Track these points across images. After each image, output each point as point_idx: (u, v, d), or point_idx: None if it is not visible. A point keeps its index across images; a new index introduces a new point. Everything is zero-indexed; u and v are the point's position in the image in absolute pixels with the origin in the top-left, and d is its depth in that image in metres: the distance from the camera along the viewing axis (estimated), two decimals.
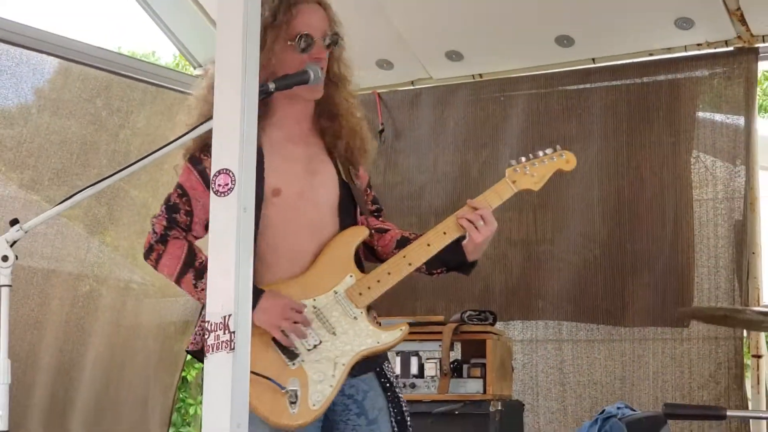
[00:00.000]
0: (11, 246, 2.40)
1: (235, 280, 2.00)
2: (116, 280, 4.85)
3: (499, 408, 3.80)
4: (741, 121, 4.41)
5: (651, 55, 4.59)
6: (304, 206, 2.63)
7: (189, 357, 4.66)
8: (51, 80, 4.59)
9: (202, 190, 2.60)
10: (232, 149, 2.07)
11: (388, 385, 2.66)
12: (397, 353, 3.97)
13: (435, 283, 4.75)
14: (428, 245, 2.64)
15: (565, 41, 4.59)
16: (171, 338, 5.08)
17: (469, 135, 5.00)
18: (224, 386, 1.95)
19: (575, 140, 4.67)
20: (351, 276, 2.61)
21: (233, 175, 2.05)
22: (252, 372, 2.08)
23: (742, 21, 4.28)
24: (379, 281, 2.61)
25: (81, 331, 4.63)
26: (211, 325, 1.99)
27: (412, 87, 5.15)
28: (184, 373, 5.27)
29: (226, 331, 1.97)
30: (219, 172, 2.07)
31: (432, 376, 3.94)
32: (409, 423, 2.68)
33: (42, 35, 4.42)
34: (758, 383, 4.31)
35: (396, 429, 2.64)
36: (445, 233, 2.65)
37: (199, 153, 2.63)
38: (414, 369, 3.97)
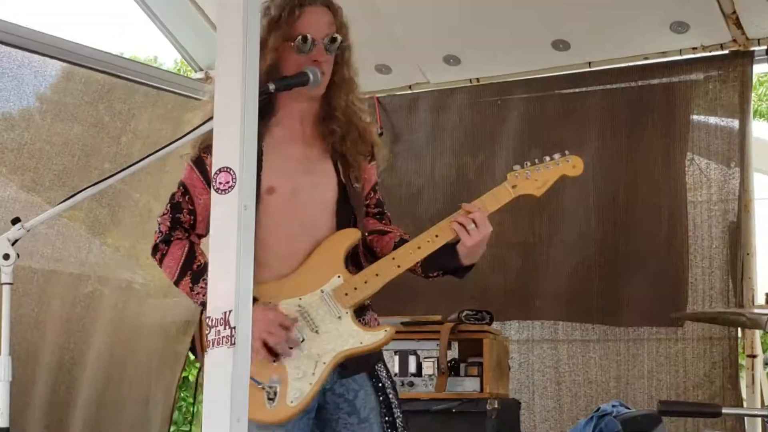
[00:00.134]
0: (13, 244, 2.41)
1: (236, 276, 1.99)
2: (118, 280, 4.85)
3: (496, 406, 3.80)
4: (735, 123, 4.41)
5: (646, 58, 4.60)
6: (298, 205, 2.61)
7: (193, 358, 4.66)
8: (53, 83, 4.59)
9: (202, 187, 2.62)
10: (233, 148, 2.07)
11: (379, 386, 2.64)
12: (396, 352, 3.97)
13: (433, 283, 4.72)
14: (418, 248, 2.61)
15: (561, 45, 4.60)
16: (172, 338, 5.07)
17: (466, 138, 5.01)
18: (225, 381, 1.95)
19: (571, 143, 4.66)
20: (339, 276, 2.59)
21: (234, 173, 2.05)
22: None
23: (738, 24, 4.28)
24: (366, 282, 2.59)
25: (82, 330, 4.63)
26: (212, 320, 1.99)
27: (410, 91, 5.16)
28: (185, 373, 5.26)
29: (227, 327, 1.97)
30: (220, 170, 2.07)
31: (430, 375, 3.94)
32: (400, 425, 2.64)
33: (44, 38, 4.41)
34: (753, 383, 4.32)
35: (387, 430, 2.62)
36: (437, 236, 2.61)
37: (201, 152, 2.63)
38: (412, 367, 3.98)
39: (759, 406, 4.26)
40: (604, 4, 4.37)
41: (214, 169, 2.10)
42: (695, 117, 4.52)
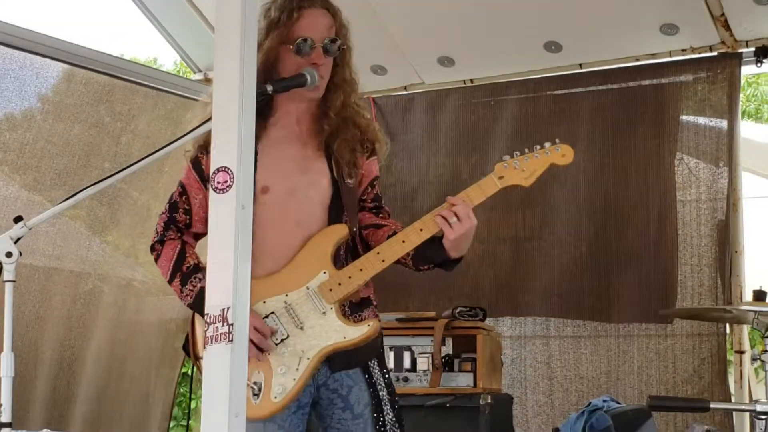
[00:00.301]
0: (15, 242, 2.41)
1: (234, 274, 2.00)
2: (118, 278, 4.85)
3: (489, 401, 3.80)
4: (724, 124, 4.42)
5: (637, 60, 4.60)
6: (292, 204, 2.61)
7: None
8: (54, 84, 4.59)
9: (198, 186, 2.64)
10: (231, 148, 2.07)
11: (371, 382, 2.63)
12: (391, 348, 3.97)
13: (427, 280, 4.75)
14: (403, 242, 2.58)
15: (553, 47, 4.60)
16: (172, 335, 5.07)
17: (460, 138, 5.01)
18: (223, 377, 1.95)
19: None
20: (325, 272, 2.57)
21: (232, 173, 2.06)
22: None
23: (726, 27, 4.29)
24: (350, 277, 2.57)
25: (83, 327, 4.63)
26: (210, 317, 1.99)
27: (405, 92, 5.15)
28: (185, 369, 5.27)
29: (225, 323, 1.97)
30: (218, 170, 2.07)
31: (424, 370, 3.94)
32: (389, 422, 2.62)
33: (46, 40, 4.41)
34: (741, 378, 4.32)
35: (377, 427, 2.60)
36: (421, 230, 2.58)
37: (199, 152, 2.64)
38: (407, 363, 3.97)
39: (747, 400, 4.27)
40: (596, 7, 4.38)
41: (212, 169, 2.10)
42: (684, 117, 4.53)
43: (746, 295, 4.31)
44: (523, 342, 4.74)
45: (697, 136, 4.49)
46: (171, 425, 5.27)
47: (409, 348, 3.99)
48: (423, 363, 3.95)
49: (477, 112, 4.99)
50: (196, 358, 2.64)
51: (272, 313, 2.56)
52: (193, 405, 9.27)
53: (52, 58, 4.46)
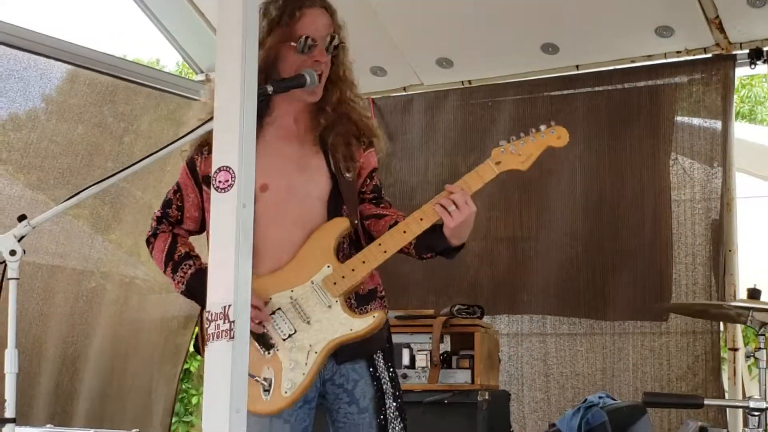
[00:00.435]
0: (19, 241, 2.41)
1: (235, 272, 2.00)
2: (121, 276, 4.86)
3: (487, 397, 3.80)
4: (718, 125, 4.42)
5: (632, 62, 4.60)
6: (292, 201, 2.61)
7: (191, 350, 4.65)
8: (58, 85, 4.59)
9: (192, 186, 2.68)
10: (232, 147, 2.07)
11: (375, 375, 2.63)
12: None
13: (425, 278, 4.76)
14: (404, 232, 2.57)
15: (550, 49, 4.60)
16: (174, 332, 5.07)
17: (458, 139, 5.01)
18: (224, 373, 1.95)
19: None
20: (328, 266, 2.57)
21: (233, 173, 2.06)
22: None
23: (720, 29, 4.29)
24: (353, 270, 2.56)
25: (85, 324, 4.63)
26: (212, 314, 1.99)
27: (404, 93, 5.15)
28: (186, 365, 5.27)
29: (226, 321, 1.97)
30: (219, 170, 2.07)
31: (423, 367, 3.94)
32: (391, 415, 2.61)
33: (50, 41, 4.41)
34: (734, 375, 4.33)
35: (381, 421, 2.60)
36: (421, 219, 2.57)
37: (194, 153, 2.67)
38: (406, 360, 3.97)
39: (740, 397, 4.28)
40: (592, 10, 4.37)
41: (213, 168, 2.10)
42: (679, 118, 4.53)
43: (740, 294, 4.31)
44: (520, 339, 4.74)
45: (692, 136, 4.49)
46: (173, 421, 5.27)
47: (407, 345, 3.99)
48: (421, 360, 3.94)
49: (475, 113, 4.98)
50: None
51: (279, 309, 2.56)
52: (194, 401, 9.30)
53: (56, 59, 4.46)
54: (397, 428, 2.62)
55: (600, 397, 3.78)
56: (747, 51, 4.35)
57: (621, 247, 4.54)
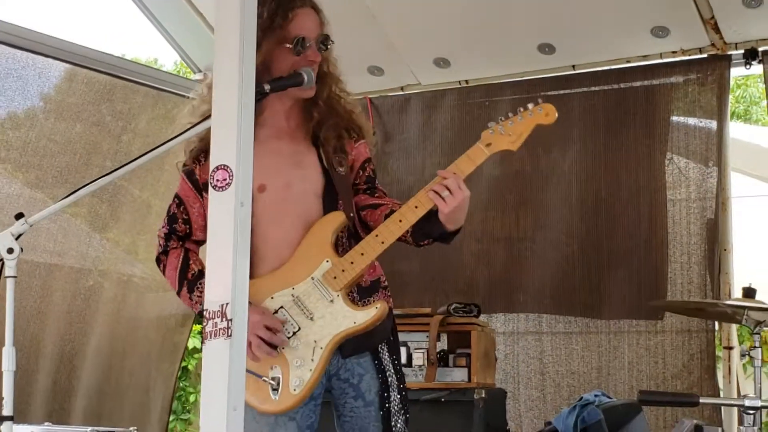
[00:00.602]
0: (17, 239, 2.40)
1: (233, 270, 2.00)
2: (118, 274, 4.85)
3: (483, 396, 3.80)
4: (713, 125, 4.42)
5: (628, 62, 4.60)
6: (290, 199, 2.61)
7: (190, 347, 4.64)
8: (57, 84, 4.58)
9: (194, 196, 2.66)
10: (230, 146, 2.07)
11: (381, 367, 2.62)
12: None
13: (422, 277, 4.76)
14: (400, 221, 2.56)
15: (546, 49, 4.60)
16: (171, 330, 5.07)
17: (455, 138, 5.00)
18: (222, 371, 1.95)
19: (556, 143, 4.69)
20: (327, 261, 2.56)
21: (231, 171, 2.05)
22: None
23: (716, 29, 4.29)
24: (352, 263, 2.55)
25: (83, 322, 4.62)
26: (209, 313, 1.99)
27: (401, 92, 5.15)
28: (184, 363, 5.26)
29: (224, 319, 1.97)
30: (217, 168, 2.07)
31: (420, 366, 3.93)
32: (395, 407, 2.61)
33: (48, 40, 4.40)
34: (729, 373, 4.33)
35: (382, 413, 2.59)
36: (416, 207, 2.56)
37: (191, 162, 2.66)
38: (403, 358, 3.95)
39: (735, 395, 4.27)
40: (589, 10, 4.37)
41: (211, 167, 2.10)
42: (675, 118, 4.53)
43: (735, 293, 4.31)
44: (516, 338, 4.74)
45: (687, 136, 4.49)
46: (170, 419, 5.26)
47: (405, 343, 3.98)
48: (418, 358, 3.94)
49: (472, 113, 4.98)
50: None
51: (281, 307, 2.55)
52: (192, 399, 9.30)
53: (55, 58, 4.45)
54: (400, 421, 2.62)
55: (596, 395, 3.78)
56: (742, 51, 4.35)
57: (616, 246, 4.54)
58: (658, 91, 4.55)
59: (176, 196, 2.70)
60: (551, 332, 4.68)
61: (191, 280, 2.61)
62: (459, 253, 4.75)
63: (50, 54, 4.42)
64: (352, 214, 2.66)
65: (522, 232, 4.78)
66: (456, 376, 3.91)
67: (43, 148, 4.43)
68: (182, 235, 2.69)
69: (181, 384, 8.78)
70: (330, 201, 2.63)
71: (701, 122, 4.46)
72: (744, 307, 3.20)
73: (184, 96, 4.91)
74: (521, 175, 4.79)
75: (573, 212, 4.65)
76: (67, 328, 4.55)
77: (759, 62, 4.32)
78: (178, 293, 2.66)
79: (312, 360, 2.51)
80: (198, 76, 5.13)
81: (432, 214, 2.58)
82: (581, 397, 3.79)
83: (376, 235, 2.57)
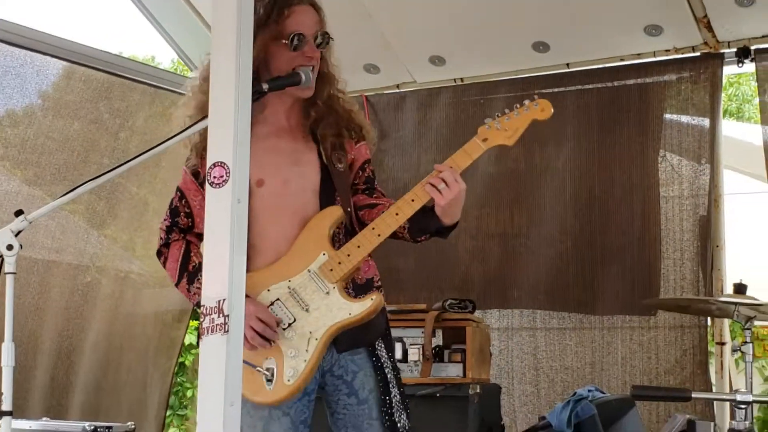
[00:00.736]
0: (16, 236, 2.40)
1: (229, 266, 2.00)
2: (116, 270, 4.85)
3: (478, 391, 3.80)
4: (706, 122, 4.43)
5: (622, 60, 4.59)
6: (288, 194, 2.61)
7: (187, 343, 4.63)
8: (55, 81, 4.58)
9: (195, 188, 2.66)
10: (227, 143, 2.08)
11: (378, 364, 2.62)
12: None
13: (417, 273, 4.76)
14: (396, 214, 2.57)
15: (541, 47, 4.60)
16: (168, 326, 5.07)
17: (450, 136, 5.00)
18: (218, 366, 1.95)
19: (550, 140, 4.69)
20: (324, 254, 2.57)
21: (228, 168, 2.06)
22: None
23: (709, 28, 4.29)
24: (349, 255, 2.56)
25: (81, 318, 4.62)
26: (206, 308, 1.99)
27: (397, 90, 5.14)
28: (181, 359, 5.26)
29: (221, 315, 1.97)
30: (214, 165, 2.08)
31: (415, 361, 3.94)
32: (396, 404, 2.60)
33: (46, 38, 4.40)
34: (722, 369, 4.34)
35: (384, 410, 2.59)
36: (413, 200, 2.57)
37: (193, 156, 2.66)
38: (398, 354, 3.95)
39: (727, 390, 4.28)
40: (583, 9, 4.37)
41: (208, 164, 2.10)
42: (668, 116, 4.53)
43: (727, 289, 4.32)
44: (511, 334, 4.74)
45: (680, 134, 4.50)
46: (168, 414, 5.27)
47: (400, 339, 3.99)
48: (414, 354, 3.94)
49: (467, 110, 4.98)
50: None
51: (277, 299, 2.56)
52: (189, 394, 9.30)
53: (53, 56, 4.45)
54: (403, 417, 2.61)
55: (589, 391, 3.78)
56: (735, 50, 4.35)
57: (610, 243, 4.55)
58: (652, 89, 4.55)
59: (178, 189, 2.70)
60: (545, 328, 4.69)
61: (191, 272, 2.61)
62: (454, 249, 4.75)
63: (48, 52, 4.41)
64: (349, 209, 2.67)
65: (516, 229, 4.78)
66: (451, 371, 3.91)
67: (41, 146, 4.42)
68: (184, 228, 2.69)
69: (178, 379, 8.78)
70: (327, 197, 2.63)
71: (694, 120, 4.47)
72: (735, 303, 3.21)
73: (181, 93, 4.90)
74: (516, 172, 4.79)
75: (567, 209, 4.66)
76: (64, 325, 4.55)
77: (751, 60, 4.32)
78: (177, 284, 2.65)
79: (306, 351, 2.50)
80: (195, 74, 5.11)
81: (428, 210, 2.59)
82: (575, 392, 3.80)
83: (373, 228, 2.57)
